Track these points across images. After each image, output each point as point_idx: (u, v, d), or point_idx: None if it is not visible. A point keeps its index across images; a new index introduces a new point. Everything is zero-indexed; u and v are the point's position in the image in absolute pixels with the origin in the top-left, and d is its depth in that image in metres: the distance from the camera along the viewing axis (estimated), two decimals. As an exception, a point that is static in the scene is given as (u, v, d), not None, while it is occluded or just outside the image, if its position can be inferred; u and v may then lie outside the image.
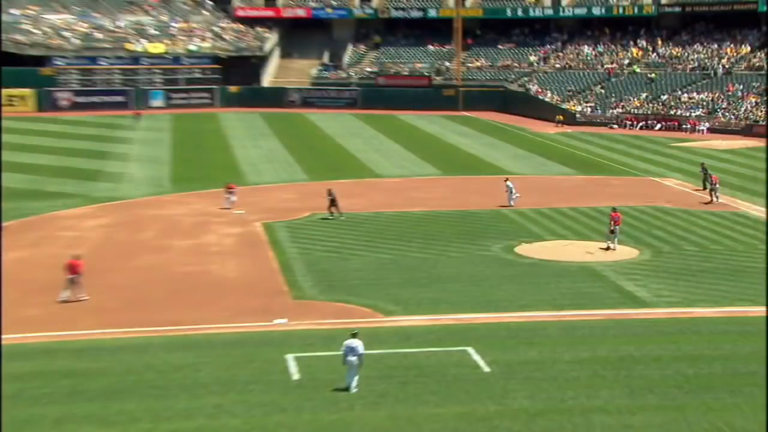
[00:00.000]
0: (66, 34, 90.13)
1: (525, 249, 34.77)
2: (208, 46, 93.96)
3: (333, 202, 40.10)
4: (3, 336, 24.25)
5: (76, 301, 27.52)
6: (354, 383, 20.24)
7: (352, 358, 20.19)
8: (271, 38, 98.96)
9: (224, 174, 53.44)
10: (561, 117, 79.65)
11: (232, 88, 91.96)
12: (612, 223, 34.88)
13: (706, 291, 29.04)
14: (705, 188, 46.04)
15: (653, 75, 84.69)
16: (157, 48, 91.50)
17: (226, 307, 27.45)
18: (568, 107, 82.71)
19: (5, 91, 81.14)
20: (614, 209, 35.82)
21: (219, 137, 70.46)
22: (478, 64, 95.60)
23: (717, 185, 44.13)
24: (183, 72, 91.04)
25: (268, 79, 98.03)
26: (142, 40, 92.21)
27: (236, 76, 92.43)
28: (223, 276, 31.13)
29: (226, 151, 63.28)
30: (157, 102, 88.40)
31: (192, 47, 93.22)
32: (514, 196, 42.84)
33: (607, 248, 34.33)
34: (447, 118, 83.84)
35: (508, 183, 43.49)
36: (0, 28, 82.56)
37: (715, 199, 43.71)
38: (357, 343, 20.35)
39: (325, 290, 29.11)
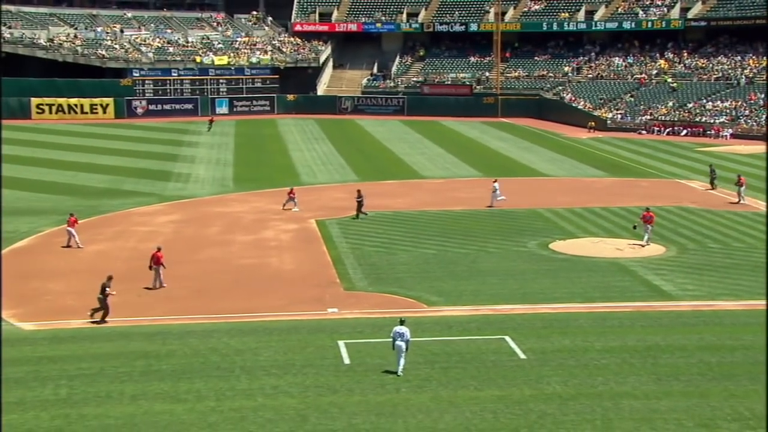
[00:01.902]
0: (143, 48, 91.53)
1: (559, 245, 34.47)
2: (268, 58, 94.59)
3: (360, 204, 39.41)
4: (85, 320, 24.73)
5: (159, 287, 27.75)
6: (401, 366, 20.31)
7: (401, 343, 20.32)
8: (326, 50, 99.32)
9: (282, 175, 53.86)
10: (593, 123, 78.69)
11: (290, 96, 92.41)
12: (643, 220, 34.36)
13: (729, 285, 28.52)
14: (714, 187, 46.13)
15: (675, 84, 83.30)
16: (222, 60, 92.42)
17: (283, 296, 27.61)
18: (599, 114, 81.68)
19: (89, 101, 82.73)
20: (647, 209, 35.25)
21: (277, 141, 70.86)
22: (516, 74, 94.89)
23: (744, 187, 43.25)
24: (246, 82, 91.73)
25: (322, 88, 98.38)
26: (210, 54, 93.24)
27: (293, 86, 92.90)
28: (281, 268, 31.30)
29: (283, 154, 63.63)
30: (222, 109, 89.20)
31: (254, 59, 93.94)
32: (498, 198, 41.93)
33: (645, 245, 33.74)
34: (486, 123, 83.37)
35: (495, 185, 42.71)
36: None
37: (741, 200, 42.91)
38: (404, 330, 20.48)
39: (374, 282, 29.14)
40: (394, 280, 29.38)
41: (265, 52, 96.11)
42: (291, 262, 32.29)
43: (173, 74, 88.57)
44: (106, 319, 24.57)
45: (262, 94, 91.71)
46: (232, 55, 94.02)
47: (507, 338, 22.90)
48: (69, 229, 34.04)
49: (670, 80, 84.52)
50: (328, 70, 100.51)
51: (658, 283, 28.90)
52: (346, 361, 21.34)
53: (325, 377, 20.24)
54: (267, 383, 19.92)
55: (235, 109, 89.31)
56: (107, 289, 24.72)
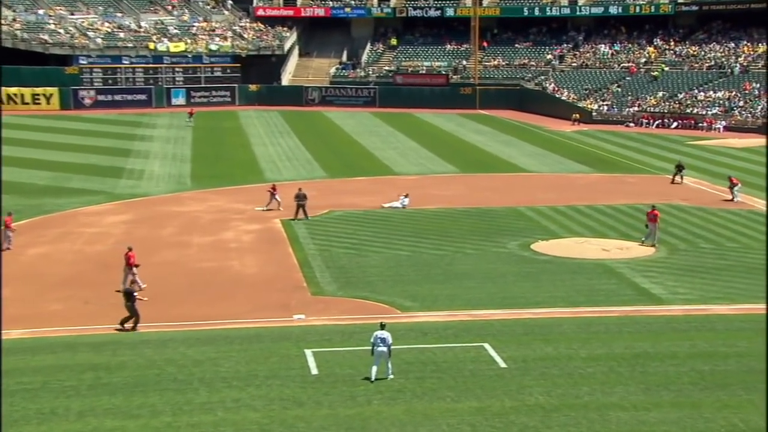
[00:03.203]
0: (90, 33, 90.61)
1: (541, 246, 34.68)
2: (228, 46, 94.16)
3: (302, 206, 38.88)
4: (26, 330, 24.46)
5: (139, 290, 27.17)
6: (389, 371, 20.67)
7: (382, 348, 20.60)
8: (291, 37, 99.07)
9: (244, 171, 53.64)
10: (577, 115, 79.30)
11: (252, 87, 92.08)
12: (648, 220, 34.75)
13: (722, 288, 28.88)
14: (674, 183, 48.15)
15: (656, 73, 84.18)
16: (178, 47, 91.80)
17: (245, 302, 27.54)
18: (584, 105, 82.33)
19: (31, 90, 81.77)
20: (653, 207, 35.56)
21: (238, 135, 70.56)
22: (495, 62, 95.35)
23: (737, 186, 43.83)
24: (204, 71, 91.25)
25: (287, 78, 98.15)
26: (164, 40, 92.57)
27: (256, 75, 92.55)
28: (243, 272, 31.21)
29: (245, 148, 63.35)
30: (179, 100, 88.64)
31: (213, 46, 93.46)
32: (400, 203, 41.60)
33: (652, 245, 34.15)
34: (464, 116, 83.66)
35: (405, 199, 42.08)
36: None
37: (735, 198, 43.47)
38: (386, 334, 20.78)
39: (343, 286, 29.15)
40: (365, 284, 29.41)
41: (225, 38, 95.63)
42: (254, 265, 32.20)
43: (124, 62, 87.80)
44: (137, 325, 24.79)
45: (221, 84, 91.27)
46: (188, 41, 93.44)
47: (486, 346, 22.99)
48: (3, 229, 33.57)
49: (667, 69, 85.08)
50: (294, 59, 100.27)
51: (646, 286, 29.18)
52: (314, 371, 21.33)
53: (291, 389, 20.21)
54: (228, 396, 19.85)
55: (192, 100, 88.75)
56: (135, 294, 24.92)
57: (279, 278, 30.26)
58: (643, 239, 34.77)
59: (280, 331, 24.71)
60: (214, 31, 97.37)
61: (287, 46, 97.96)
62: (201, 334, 24.28)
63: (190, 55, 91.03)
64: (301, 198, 39.48)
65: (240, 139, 68.37)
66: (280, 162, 57.45)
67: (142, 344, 23.37)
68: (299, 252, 33.65)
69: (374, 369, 20.60)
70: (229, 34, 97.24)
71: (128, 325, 24.75)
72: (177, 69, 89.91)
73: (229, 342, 23.60)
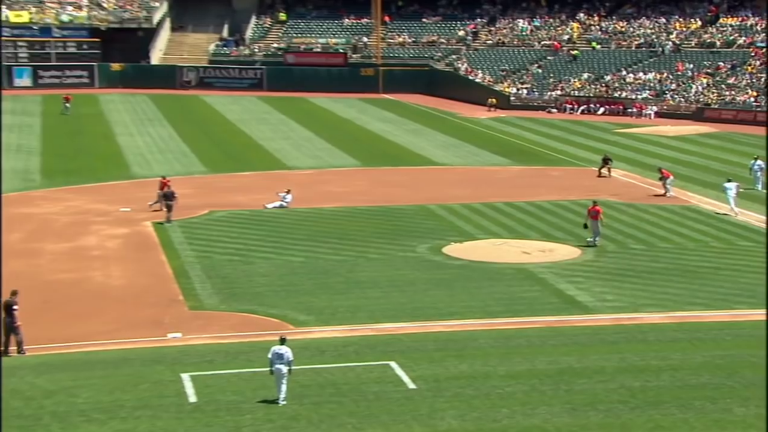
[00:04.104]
0: None
1: (454, 249, 35.10)
2: (84, 17, 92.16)
3: (168, 206, 38.63)
4: None
5: None
6: (282, 395, 20.54)
7: (281, 366, 20.59)
8: (160, 8, 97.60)
9: (107, 166, 52.70)
10: (493, 100, 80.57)
11: (115, 66, 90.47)
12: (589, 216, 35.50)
13: (654, 294, 29.77)
14: (601, 176, 49.80)
15: (575, 52, 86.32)
16: (21, 17, 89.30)
17: (110, 320, 27.09)
18: (501, 89, 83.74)
19: None
20: (595, 202, 36.29)
21: (99, 123, 69.24)
22: (401, 39, 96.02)
23: (669, 178, 45.23)
24: (54, 46, 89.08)
25: (157, 56, 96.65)
26: (3, 8, 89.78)
27: (119, 52, 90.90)
28: (106, 284, 30.71)
29: (108, 139, 62.22)
30: (24, 81, 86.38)
31: (64, 17, 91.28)
32: (280, 202, 41.80)
33: (593, 244, 35.06)
34: (365, 101, 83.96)
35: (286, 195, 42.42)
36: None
37: (667, 192, 44.83)
38: (285, 350, 20.76)
39: (227, 299, 28.94)
40: (253, 295, 29.27)
41: (80, 8, 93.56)
42: (120, 275, 31.73)
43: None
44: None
45: (77, 62, 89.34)
46: (34, 10, 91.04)
47: (392, 364, 23.16)
48: None
49: (596, 45, 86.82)
50: (165, 33, 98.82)
51: (572, 292, 29.90)
52: (192, 398, 21.11)
53: (165, 420, 19.96)
54: (88, 432, 19.49)
55: (40, 81, 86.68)
56: (15, 308, 24.10)
57: (151, 291, 29.84)
58: (593, 240, 35.29)
59: (151, 352, 24.37)
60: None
61: (156, 18, 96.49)
62: (55, 359, 23.74)
63: (36, 27, 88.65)
64: (169, 197, 38.95)
65: (101, 127, 67.11)
66: (150, 155, 56.61)
67: (-18, 373, 22.69)
68: (174, 260, 33.27)
69: (281, 388, 20.57)
70: (85, 2, 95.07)
71: (12, 347, 24.12)
72: (20, 43, 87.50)
73: (90, 367, 23.17)
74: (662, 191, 45.18)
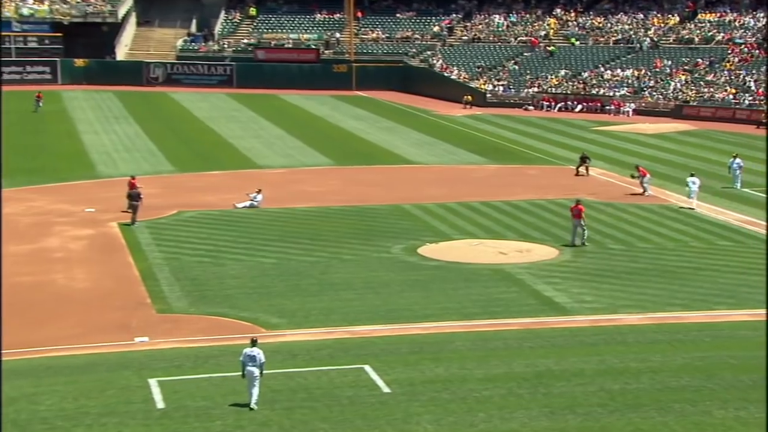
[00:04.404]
0: None
1: (430, 250, 35.15)
2: (45, 10, 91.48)
3: (133, 207, 38.37)
4: None
5: None
6: (254, 399, 20.51)
7: (252, 368, 20.57)
8: (126, 1, 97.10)
9: (71, 165, 52.39)
10: (469, 97, 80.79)
11: (79, 62, 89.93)
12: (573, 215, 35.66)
13: (633, 295, 29.95)
14: (578, 174, 50.15)
15: (552, 48, 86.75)
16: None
17: (74, 324, 26.94)
18: (477, 86, 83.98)
19: None
20: (578, 201, 36.40)
21: (63, 121, 68.85)
22: (374, 35, 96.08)
23: (646, 177, 45.51)
24: (14, 41, 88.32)
25: (123, 51, 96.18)
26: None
27: (83, 47, 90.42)
28: (70, 287, 30.54)
29: (72, 137, 61.90)
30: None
31: (25, 10, 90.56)
32: (250, 202, 41.83)
33: (580, 244, 35.31)
34: (338, 98, 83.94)
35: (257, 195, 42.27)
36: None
37: (646, 191, 45.13)
38: (256, 351, 20.73)
39: (196, 302, 28.84)
40: (223, 298, 29.20)
41: (41, 1, 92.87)
42: (85, 278, 31.57)
43: None
44: None
45: (38, 57, 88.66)
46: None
47: (366, 368, 23.15)
48: None
49: (575, 41, 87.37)
50: (131, 28, 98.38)
51: (550, 294, 30.01)
52: (160, 405, 21.01)
53: (132, 427, 19.85)
54: (52, 440, 19.34)
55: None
56: None
57: (117, 294, 29.70)
58: (579, 240, 35.44)
59: (118, 357, 24.24)
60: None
61: (122, 12, 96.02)
62: (16, 365, 23.49)
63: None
64: (134, 197, 38.67)
65: (64, 125, 66.74)
66: (116, 153, 56.37)
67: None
68: (142, 261, 33.13)
69: (252, 392, 20.53)
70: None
71: None
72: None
73: (53, 373, 23.01)
74: (640, 190, 45.45)
